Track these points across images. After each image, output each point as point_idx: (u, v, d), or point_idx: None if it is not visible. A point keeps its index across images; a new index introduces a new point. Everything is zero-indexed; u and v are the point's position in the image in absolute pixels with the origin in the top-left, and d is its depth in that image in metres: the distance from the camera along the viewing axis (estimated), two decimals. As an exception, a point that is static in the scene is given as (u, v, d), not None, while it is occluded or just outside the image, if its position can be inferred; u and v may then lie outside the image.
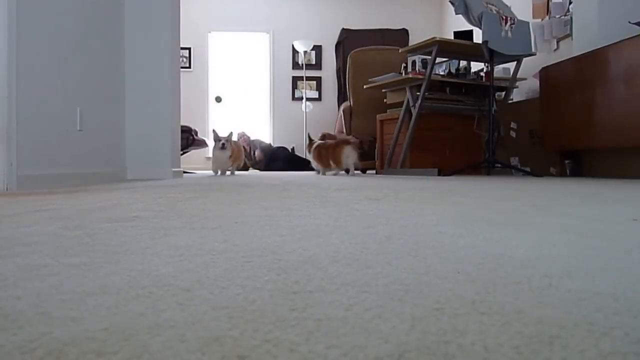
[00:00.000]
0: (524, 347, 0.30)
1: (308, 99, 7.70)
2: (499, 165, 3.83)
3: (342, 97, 7.60)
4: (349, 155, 4.02)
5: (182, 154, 4.29)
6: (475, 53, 3.99)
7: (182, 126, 4.26)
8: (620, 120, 3.18)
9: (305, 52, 7.43)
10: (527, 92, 4.75)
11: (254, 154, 6.96)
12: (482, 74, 4.47)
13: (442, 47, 3.94)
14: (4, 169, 2.08)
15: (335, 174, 4.18)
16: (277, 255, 0.59)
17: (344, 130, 5.75)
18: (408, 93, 4.18)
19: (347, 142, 4.15)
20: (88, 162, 2.89)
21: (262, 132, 7.98)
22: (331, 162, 4.15)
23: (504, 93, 4.52)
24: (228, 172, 4.54)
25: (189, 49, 7.71)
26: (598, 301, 0.39)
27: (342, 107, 6.16)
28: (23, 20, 2.17)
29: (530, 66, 4.60)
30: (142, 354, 0.29)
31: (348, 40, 7.82)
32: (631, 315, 0.36)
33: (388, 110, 4.78)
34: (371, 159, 5.31)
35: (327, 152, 4.19)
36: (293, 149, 7.40)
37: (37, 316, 0.36)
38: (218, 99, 7.29)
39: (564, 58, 3.89)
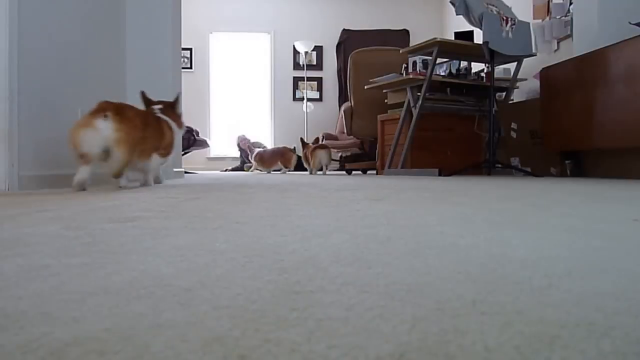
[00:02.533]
0: (525, 347, 0.30)
1: (309, 100, 7.70)
2: (500, 165, 3.83)
3: (343, 98, 7.61)
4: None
5: (183, 154, 4.30)
6: (476, 54, 3.99)
7: (183, 127, 4.25)
8: (620, 120, 3.18)
9: (306, 52, 7.43)
10: (528, 93, 4.75)
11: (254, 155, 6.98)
12: (482, 74, 4.47)
13: (442, 48, 3.94)
14: (6, 170, 2.08)
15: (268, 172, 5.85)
16: (278, 256, 0.59)
17: (345, 131, 5.76)
18: (409, 94, 4.19)
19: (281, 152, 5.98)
20: (89, 162, 2.89)
21: (263, 132, 7.98)
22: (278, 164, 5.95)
23: (504, 93, 4.52)
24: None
25: (190, 49, 7.72)
26: (598, 301, 0.39)
27: (343, 108, 6.16)
28: (25, 21, 2.17)
29: (531, 67, 4.60)
30: (144, 354, 0.29)
31: (349, 41, 7.83)
32: (631, 315, 0.36)
33: (389, 111, 4.78)
34: (372, 159, 5.31)
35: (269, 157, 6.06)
36: (294, 149, 7.42)
37: (38, 316, 0.36)
38: None
39: (565, 59, 3.89)
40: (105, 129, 1.88)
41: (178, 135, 2.42)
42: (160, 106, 2.41)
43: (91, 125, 1.88)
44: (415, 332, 0.32)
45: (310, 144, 5.51)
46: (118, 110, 1.95)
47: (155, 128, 2.23)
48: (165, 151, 2.34)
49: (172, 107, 2.48)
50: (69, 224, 0.91)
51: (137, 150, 2.05)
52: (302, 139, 5.77)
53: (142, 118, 2.12)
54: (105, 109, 1.93)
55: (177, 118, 2.43)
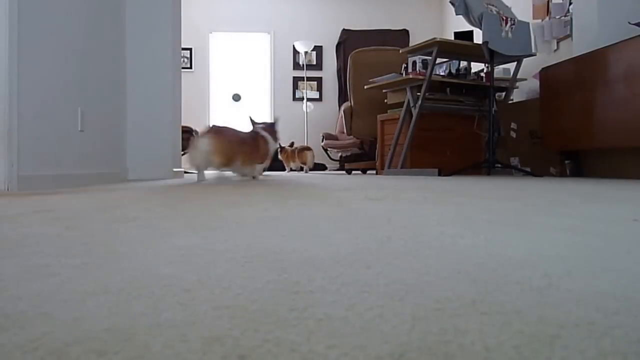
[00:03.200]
0: (525, 347, 0.30)
1: (309, 100, 7.70)
2: (499, 165, 3.83)
3: (342, 98, 7.60)
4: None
5: (183, 154, 4.29)
6: (476, 54, 3.99)
7: (183, 126, 4.26)
8: (620, 120, 3.18)
9: (306, 52, 7.43)
10: (527, 93, 4.75)
11: None
12: (482, 74, 4.47)
13: (442, 48, 3.94)
14: (5, 169, 2.08)
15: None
16: (278, 256, 0.59)
17: (345, 131, 5.75)
18: (408, 93, 4.18)
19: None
20: (89, 162, 2.89)
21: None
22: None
23: (504, 93, 4.51)
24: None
25: (190, 49, 7.71)
26: (598, 301, 0.39)
27: (342, 108, 6.16)
28: (25, 20, 2.17)
29: (530, 67, 4.60)
30: (144, 353, 0.29)
31: (349, 41, 7.82)
32: (631, 315, 0.36)
33: (389, 111, 4.78)
34: (372, 159, 5.31)
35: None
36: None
37: (38, 316, 0.36)
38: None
39: (564, 59, 3.89)
40: (204, 146, 2.74)
41: (273, 146, 3.22)
42: (262, 125, 3.25)
43: (196, 147, 2.80)
44: (415, 332, 0.32)
45: (287, 147, 6.32)
46: (217, 131, 2.84)
47: (251, 144, 3.02)
48: (262, 159, 3.13)
49: (271, 126, 3.29)
50: (69, 224, 0.91)
51: (235, 159, 2.85)
52: (280, 145, 6.25)
53: (238, 137, 2.94)
54: (210, 130, 2.85)
55: (274, 134, 3.25)
